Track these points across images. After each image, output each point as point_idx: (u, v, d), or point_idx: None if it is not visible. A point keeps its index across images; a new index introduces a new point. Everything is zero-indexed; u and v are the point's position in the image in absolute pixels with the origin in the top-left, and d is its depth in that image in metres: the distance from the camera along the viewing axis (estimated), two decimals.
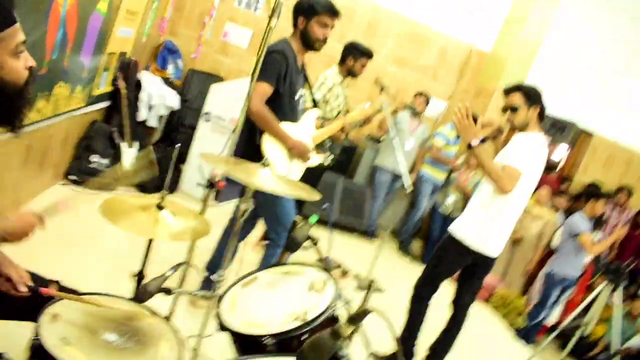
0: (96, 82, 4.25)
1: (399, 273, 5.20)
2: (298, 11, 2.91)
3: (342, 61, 4.11)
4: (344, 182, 5.87)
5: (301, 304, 1.61)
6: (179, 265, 1.78)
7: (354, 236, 5.79)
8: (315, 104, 3.32)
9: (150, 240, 2.12)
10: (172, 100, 5.27)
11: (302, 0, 2.92)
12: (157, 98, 5.13)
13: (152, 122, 5.18)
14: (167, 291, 1.86)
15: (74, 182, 4.32)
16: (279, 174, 2.29)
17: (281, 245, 3.05)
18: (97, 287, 1.82)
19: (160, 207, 1.99)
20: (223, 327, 1.65)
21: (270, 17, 2.12)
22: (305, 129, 3.06)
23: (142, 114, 5.06)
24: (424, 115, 5.90)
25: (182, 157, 5.02)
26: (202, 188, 2.21)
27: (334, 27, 2.98)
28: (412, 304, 3.15)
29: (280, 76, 2.79)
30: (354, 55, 4.06)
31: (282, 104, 2.87)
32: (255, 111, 2.76)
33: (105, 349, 1.53)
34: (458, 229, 3.04)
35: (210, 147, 4.87)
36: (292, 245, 1.74)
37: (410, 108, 5.65)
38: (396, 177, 5.76)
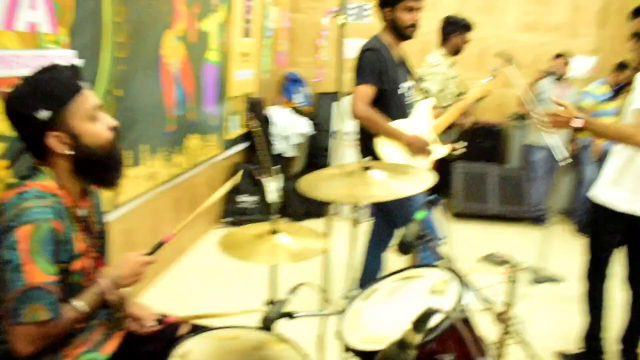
0: (226, 126, 4.52)
1: (580, 258, 4.59)
2: (382, 3, 2.77)
3: (446, 40, 3.81)
4: (497, 169, 5.43)
5: (422, 310, 1.44)
6: (297, 287, 1.72)
7: (520, 225, 5.29)
8: (427, 94, 3.11)
9: (274, 266, 2.11)
10: (304, 127, 5.40)
11: None
12: (288, 128, 5.30)
13: (290, 152, 5.35)
14: (289, 315, 1.82)
15: (230, 223, 4.60)
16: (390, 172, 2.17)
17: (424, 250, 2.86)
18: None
19: (274, 231, 1.99)
20: (347, 348, 1.55)
21: None
22: (420, 122, 2.87)
23: (277, 147, 5.25)
24: (569, 78, 5.23)
25: None
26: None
27: (422, 9, 2.77)
28: (586, 297, 2.71)
29: (378, 74, 2.65)
30: (459, 32, 3.76)
31: (389, 102, 2.73)
32: (361, 116, 2.65)
33: None
34: (600, 194, 2.54)
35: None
36: (404, 248, 1.58)
37: (551, 73, 5.07)
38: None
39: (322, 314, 1.78)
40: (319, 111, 5.97)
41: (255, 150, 5.01)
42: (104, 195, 2.66)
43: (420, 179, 1.87)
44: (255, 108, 5.05)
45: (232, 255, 1.87)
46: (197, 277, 3.60)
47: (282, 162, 5.33)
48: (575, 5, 5.82)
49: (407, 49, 2.93)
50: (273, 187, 4.89)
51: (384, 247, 3.14)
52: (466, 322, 1.39)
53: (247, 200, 4.71)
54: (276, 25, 5.81)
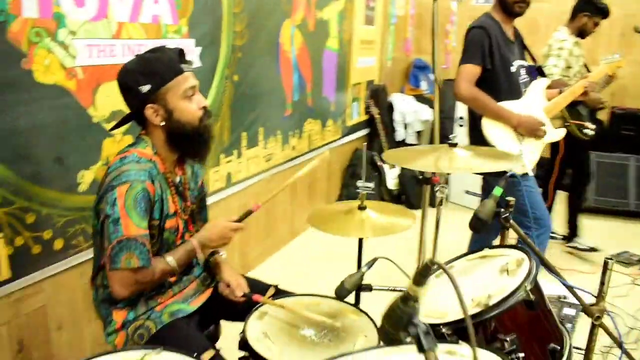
0: (348, 113, 4.63)
1: None
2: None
3: (573, 17, 3.49)
4: (638, 160, 4.85)
5: (486, 288, 1.39)
6: (374, 260, 1.76)
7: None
8: (543, 73, 2.90)
9: (360, 240, 2.16)
10: (427, 114, 5.32)
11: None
12: (410, 115, 5.26)
13: (411, 140, 5.31)
14: (368, 288, 1.86)
15: None
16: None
17: (536, 237, 2.70)
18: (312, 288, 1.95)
19: (361, 207, 2.05)
20: None
21: None
22: (533, 103, 2.70)
23: (399, 134, 5.25)
24: None
25: None
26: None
27: None
28: None
29: (484, 52, 2.55)
30: (590, 13, 3.42)
31: (497, 81, 2.61)
32: (465, 95, 2.57)
33: (300, 343, 1.61)
34: None
35: None
36: (477, 225, 1.53)
37: None
38: None
39: (396, 289, 1.79)
40: (445, 98, 5.83)
41: (376, 137, 5.06)
42: (221, 172, 2.92)
43: (506, 160, 1.82)
44: (377, 95, 5.10)
45: (321, 229, 1.96)
46: (308, 256, 3.76)
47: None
48: None
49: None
50: (392, 174, 4.91)
51: (491, 238, 3.03)
52: (534, 304, 1.32)
53: (365, 185, 4.77)
54: (402, 13, 5.78)
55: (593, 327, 1.59)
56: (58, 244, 2.01)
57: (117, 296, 1.53)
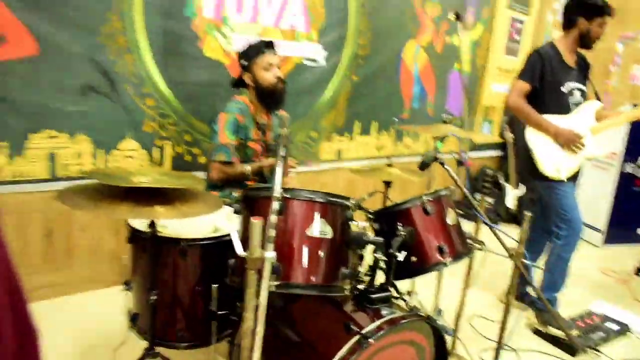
0: (475, 130, 5.28)
1: None
2: (580, 13, 3.11)
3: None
4: None
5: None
6: (373, 193, 2.53)
7: None
8: (597, 96, 3.29)
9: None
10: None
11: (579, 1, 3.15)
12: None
13: None
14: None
15: (461, 215, 5.33)
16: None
17: (564, 237, 3.14)
18: None
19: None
20: None
21: None
22: (580, 121, 3.13)
23: None
24: None
25: None
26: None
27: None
28: None
29: (534, 73, 3.11)
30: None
31: (545, 98, 3.12)
32: (512, 105, 3.17)
33: None
34: None
35: (594, 186, 4.98)
36: (422, 166, 2.23)
37: None
38: None
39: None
40: None
41: (506, 159, 5.55)
42: (333, 147, 3.91)
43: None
44: (513, 122, 5.60)
45: None
46: None
47: None
48: None
49: None
50: (513, 195, 5.35)
51: (539, 250, 3.48)
52: (429, 211, 2.05)
53: (485, 200, 5.33)
54: None
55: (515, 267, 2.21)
56: (201, 159, 3.26)
57: (212, 180, 2.65)
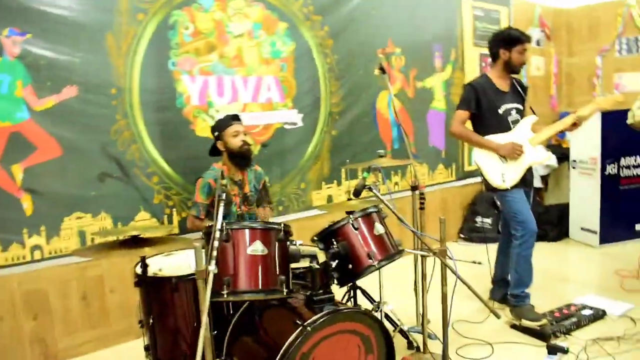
0: (464, 161, 5.81)
1: None
2: (499, 45, 3.72)
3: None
4: None
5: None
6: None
7: None
8: (533, 112, 3.82)
9: None
10: (552, 160, 6.05)
11: (499, 34, 3.78)
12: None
13: (537, 183, 6.08)
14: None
15: (466, 239, 5.80)
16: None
17: (519, 237, 3.61)
18: None
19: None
20: None
21: None
22: (519, 134, 3.66)
23: None
24: None
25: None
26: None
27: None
28: None
29: (470, 102, 3.68)
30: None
31: (486, 121, 3.67)
32: (454, 132, 3.74)
33: None
34: None
35: (583, 191, 5.38)
36: (356, 193, 2.80)
37: None
38: None
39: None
40: None
41: None
42: (323, 194, 4.50)
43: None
44: None
45: None
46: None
47: None
48: None
49: None
50: None
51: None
52: (357, 228, 2.64)
53: (483, 221, 5.79)
54: (542, 73, 6.69)
55: (441, 264, 2.73)
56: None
57: (188, 227, 3.36)
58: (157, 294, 2.58)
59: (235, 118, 3.39)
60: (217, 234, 2.11)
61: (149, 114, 3.67)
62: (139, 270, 2.63)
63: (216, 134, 3.36)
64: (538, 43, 6.75)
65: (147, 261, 2.63)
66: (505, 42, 3.69)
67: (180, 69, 3.80)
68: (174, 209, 3.82)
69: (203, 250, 2.07)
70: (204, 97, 3.93)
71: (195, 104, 3.89)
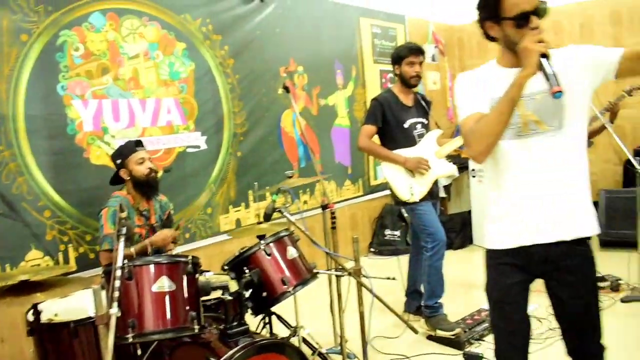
0: (370, 175, 5.95)
1: None
2: (392, 62, 3.88)
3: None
4: (609, 193, 5.32)
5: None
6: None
7: None
8: (437, 126, 4.00)
9: None
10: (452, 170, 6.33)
11: (392, 53, 3.92)
12: None
13: (441, 193, 6.33)
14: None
15: (376, 253, 5.91)
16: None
17: (430, 249, 3.73)
18: None
19: None
20: None
21: None
22: (426, 148, 3.81)
23: None
24: None
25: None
26: None
27: (423, 63, 3.82)
28: None
29: (377, 117, 3.78)
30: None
31: (392, 135, 3.79)
32: (362, 146, 3.82)
33: None
34: None
35: (482, 198, 5.67)
36: (266, 217, 2.77)
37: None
38: None
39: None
40: None
41: None
42: (231, 218, 4.40)
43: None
44: None
45: None
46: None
47: None
48: None
49: None
50: None
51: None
52: (270, 254, 2.60)
53: (392, 234, 5.94)
54: (439, 87, 7.03)
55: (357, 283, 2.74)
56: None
57: (101, 264, 3.14)
58: (54, 341, 2.37)
59: (139, 144, 3.24)
60: (118, 273, 1.97)
61: (38, 143, 3.42)
62: (30, 317, 2.40)
63: (119, 161, 3.19)
64: (433, 58, 7.09)
65: (42, 305, 2.41)
66: (395, 60, 3.86)
67: (71, 93, 3.58)
68: (70, 245, 3.56)
69: (103, 291, 1.93)
70: (98, 123, 3.72)
71: (89, 130, 3.67)
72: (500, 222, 1.92)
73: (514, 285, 1.91)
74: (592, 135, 4.48)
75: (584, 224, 1.85)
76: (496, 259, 1.94)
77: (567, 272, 1.85)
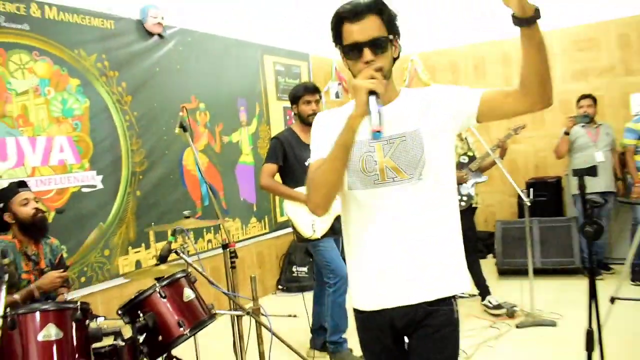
0: (276, 212, 6.02)
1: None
2: (290, 102, 4.03)
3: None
4: (539, 222, 5.75)
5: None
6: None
7: (572, 278, 5.44)
8: None
9: None
10: None
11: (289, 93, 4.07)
12: None
13: None
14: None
15: (284, 290, 5.94)
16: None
17: (333, 284, 3.82)
18: None
19: None
20: None
21: None
22: None
23: None
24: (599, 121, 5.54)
25: None
26: None
27: (319, 101, 3.98)
28: None
29: (277, 155, 3.88)
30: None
31: (294, 174, 3.90)
32: (263, 185, 3.90)
33: None
34: None
35: None
36: (161, 259, 2.77)
37: (581, 117, 5.43)
38: (606, 195, 5.41)
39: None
40: None
41: None
42: (130, 259, 4.29)
43: None
44: None
45: None
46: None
47: None
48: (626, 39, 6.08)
49: None
50: None
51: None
52: (166, 296, 2.57)
53: (300, 270, 6.01)
54: None
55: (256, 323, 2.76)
56: None
57: None
58: None
59: (21, 185, 3.12)
60: (0, 322, 1.89)
61: None
62: None
63: (1, 205, 3.04)
64: (337, 95, 7.35)
65: None
66: (292, 99, 4.02)
67: None
68: None
69: None
70: None
71: None
72: (362, 282, 1.76)
73: (384, 351, 1.78)
74: (484, 169, 4.87)
75: (450, 281, 1.70)
76: (363, 321, 1.80)
77: (430, 329, 1.68)
